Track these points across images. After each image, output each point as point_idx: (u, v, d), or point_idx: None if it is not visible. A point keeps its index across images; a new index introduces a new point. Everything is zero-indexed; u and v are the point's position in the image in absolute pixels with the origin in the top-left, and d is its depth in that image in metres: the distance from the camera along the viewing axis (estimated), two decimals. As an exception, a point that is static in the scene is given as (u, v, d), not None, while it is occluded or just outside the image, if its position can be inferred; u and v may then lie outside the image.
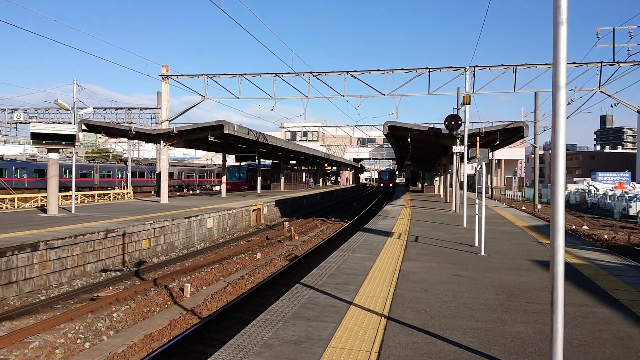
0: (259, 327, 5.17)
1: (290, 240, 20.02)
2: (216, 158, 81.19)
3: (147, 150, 77.18)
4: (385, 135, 23.18)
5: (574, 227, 24.63)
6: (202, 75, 24.60)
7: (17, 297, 10.24)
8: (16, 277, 10.36)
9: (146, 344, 7.93)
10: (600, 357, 4.44)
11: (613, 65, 21.00)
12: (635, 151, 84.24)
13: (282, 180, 45.96)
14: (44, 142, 16.79)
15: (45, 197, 20.31)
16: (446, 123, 19.60)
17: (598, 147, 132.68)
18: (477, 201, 11.06)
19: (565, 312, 3.66)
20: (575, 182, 60.35)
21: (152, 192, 46.36)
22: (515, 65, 21.78)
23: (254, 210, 24.81)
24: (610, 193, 39.92)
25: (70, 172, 40.56)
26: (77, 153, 32.14)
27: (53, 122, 35.85)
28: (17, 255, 10.37)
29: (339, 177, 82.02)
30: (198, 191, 56.48)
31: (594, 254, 10.54)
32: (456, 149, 19.38)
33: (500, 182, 66.51)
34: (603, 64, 21.20)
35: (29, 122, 36.46)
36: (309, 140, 69.90)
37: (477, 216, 10.92)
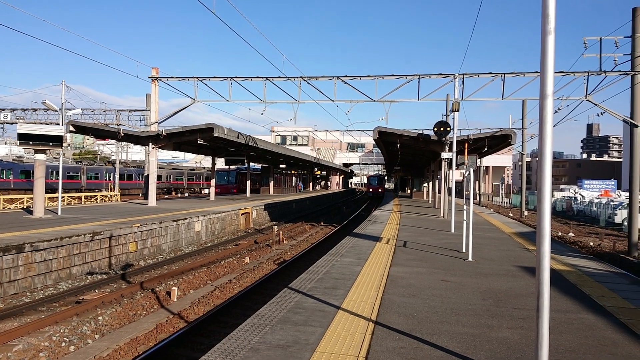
0: (246, 331, 5.15)
1: (279, 245, 19.96)
2: (205, 161, 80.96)
3: (135, 153, 76.64)
4: (374, 140, 23.24)
5: (560, 234, 24.86)
6: (192, 77, 24.48)
7: (0, 299, 10.09)
8: (0, 279, 10.22)
9: (132, 347, 7.85)
10: (585, 363, 4.48)
11: (600, 74, 21.22)
12: (621, 159, 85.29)
13: (271, 184, 45.87)
14: (31, 142, 16.61)
15: (32, 198, 20.07)
16: (435, 129, 19.71)
17: (584, 155, 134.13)
18: (465, 207, 11.12)
19: (551, 318, 3.69)
20: (561, 190, 60.97)
21: (140, 195, 45.99)
22: (504, 73, 21.96)
23: (242, 214, 24.72)
24: (596, 201, 40.40)
25: (57, 173, 40.14)
26: (64, 154, 31.80)
27: (41, 123, 35.46)
28: (1, 257, 10.23)
29: (329, 182, 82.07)
30: (187, 194, 56.16)
31: (579, 260, 10.65)
32: (445, 155, 19.51)
33: (488, 188, 66.98)
34: (590, 73, 21.44)
35: (16, 123, 36.06)
36: (299, 145, 69.83)
37: (464, 222, 10.98)
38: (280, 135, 71.72)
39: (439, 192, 26.42)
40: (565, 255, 11.25)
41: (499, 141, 21.78)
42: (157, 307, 10.24)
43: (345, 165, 77.69)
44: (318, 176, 71.89)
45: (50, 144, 16.77)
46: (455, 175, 18.68)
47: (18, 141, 16.79)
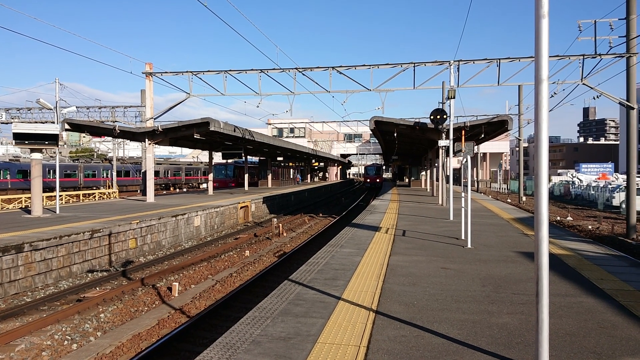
0: (247, 324, 5.17)
1: (279, 237, 19.99)
2: (203, 156, 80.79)
3: (132, 149, 76.52)
4: (371, 130, 23.19)
5: (558, 218, 24.93)
6: (187, 72, 24.35)
7: (1, 299, 10.10)
8: (1, 279, 10.21)
9: (134, 344, 7.88)
10: (586, 346, 4.51)
11: (595, 57, 21.16)
12: (618, 142, 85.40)
13: (269, 177, 45.83)
14: (26, 142, 16.55)
15: (29, 197, 20.03)
16: (432, 117, 19.69)
17: (581, 139, 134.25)
18: (463, 194, 11.13)
19: (550, 302, 3.70)
20: (559, 174, 61.06)
21: (138, 191, 45.97)
22: (499, 59, 21.89)
23: (241, 207, 24.73)
24: (593, 184, 40.46)
25: (54, 172, 40.04)
26: (60, 153, 31.68)
27: (36, 122, 35.32)
28: (1, 257, 10.22)
29: (327, 173, 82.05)
30: (185, 189, 56.15)
31: (578, 244, 10.68)
32: (442, 142, 19.50)
33: (486, 175, 67.06)
34: (585, 57, 21.38)
35: (12, 122, 35.89)
36: (295, 137, 69.67)
37: (463, 209, 11.00)
38: (276, 127, 71.48)
39: (437, 180, 26.43)
40: (564, 240, 11.29)
41: (495, 127, 21.76)
42: (159, 303, 10.26)
43: (343, 156, 77.62)
44: (316, 168, 71.86)
45: (46, 142, 16.71)
46: (453, 162, 18.70)
47: (14, 141, 16.72)
